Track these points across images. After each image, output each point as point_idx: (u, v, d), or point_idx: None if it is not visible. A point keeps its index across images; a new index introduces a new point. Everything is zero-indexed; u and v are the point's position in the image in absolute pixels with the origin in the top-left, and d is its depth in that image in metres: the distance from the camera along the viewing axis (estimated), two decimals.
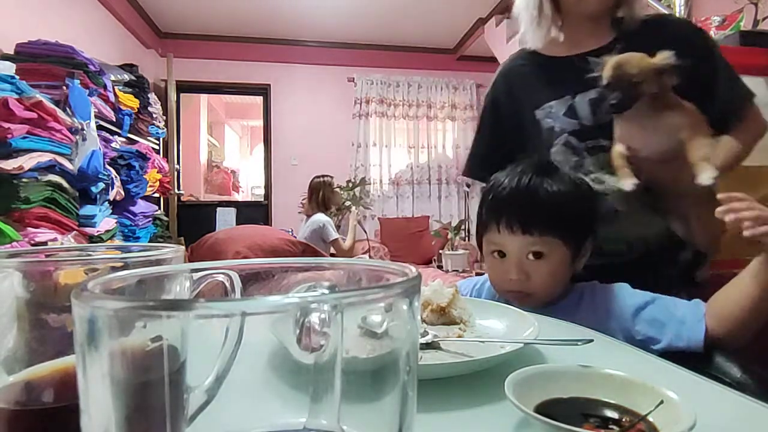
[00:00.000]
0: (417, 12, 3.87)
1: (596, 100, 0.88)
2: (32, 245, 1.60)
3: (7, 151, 1.59)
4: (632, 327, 0.72)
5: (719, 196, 0.65)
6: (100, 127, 2.27)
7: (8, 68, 1.75)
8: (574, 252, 0.78)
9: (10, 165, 1.57)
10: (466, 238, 4.48)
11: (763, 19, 1.57)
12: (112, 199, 2.34)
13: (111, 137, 2.46)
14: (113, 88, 2.45)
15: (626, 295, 0.76)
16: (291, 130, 4.52)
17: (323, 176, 3.21)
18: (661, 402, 0.32)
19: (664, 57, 0.72)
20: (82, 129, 1.97)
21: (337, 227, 3.19)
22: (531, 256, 0.75)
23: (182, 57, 4.18)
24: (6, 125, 1.55)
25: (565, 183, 0.77)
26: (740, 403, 0.40)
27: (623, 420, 0.33)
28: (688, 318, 0.68)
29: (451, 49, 4.71)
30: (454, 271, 3.68)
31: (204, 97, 5.40)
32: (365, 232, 3.62)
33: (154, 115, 3.19)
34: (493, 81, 1.07)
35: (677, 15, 1.55)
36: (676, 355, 0.67)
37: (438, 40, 4.54)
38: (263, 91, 4.53)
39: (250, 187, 6.74)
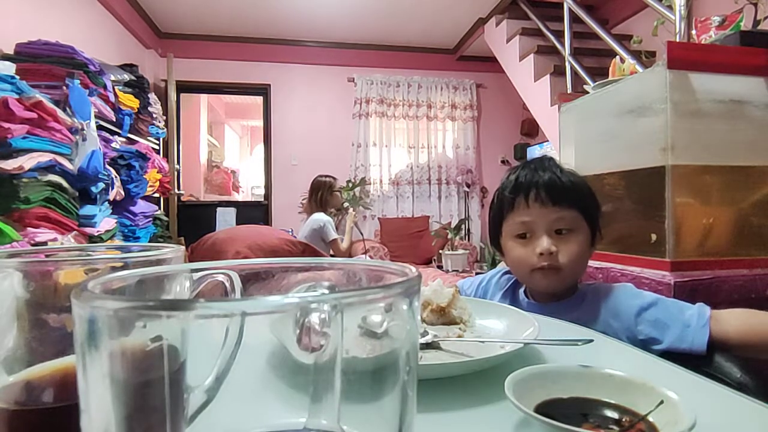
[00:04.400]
0: (417, 12, 3.87)
1: None
2: (32, 245, 1.60)
3: (7, 151, 1.59)
4: (635, 327, 0.72)
5: None
6: (100, 127, 2.27)
7: (8, 68, 1.75)
8: (592, 235, 0.81)
9: (10, 165, 1.57)
10: (466, 238, 4.48)
11: (764, 19, 1.57)
12: (112, 199, 2.34)
13: (111, 137, 2.46)
14: (113, 88, 2.44)
15: (630, 296, 0.77)
16: (291, 130, 4.52)
17: (326, 176, 3.20)
18: (661, 402, 0.33)
19: None
20: (82, 129, 1.97)
21: (336, 227, 3.19)
22: (557, 232, 0.78)
23: (182, 57, 4.18)
24: (6, 125, 1.55)
25: (575, 174, 0.83)
26: (740, 403, 0.40)
27: (623, 420, 0.33)
28: (693, 321, 0.69)
29: (451, 49, 4.71)
30: (454, 271, 3.68)
31: (204, 97, 5.40)
32: (361, 234, 3.62)
33: (154, 115, 3.18)
34: None
35: (677, 15, 1.54)
36: (676, 355, 0.67)
37: (438, 40, 4.54)
38: (263, 91, 4.53)
39: (250, 187, 6.73)
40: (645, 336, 0.71)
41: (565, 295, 0.82)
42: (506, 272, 0.94)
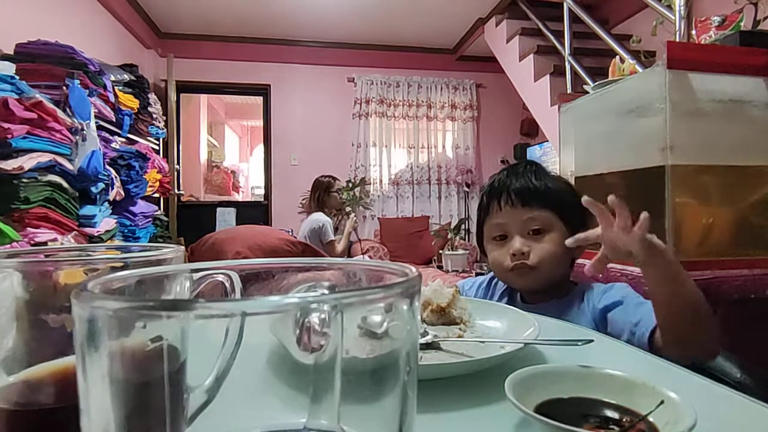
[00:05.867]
0: (417, 12, 3.87)
1: None
2: (32, 245, 1.60)
3: (7, 151, 1.59)
4: (601, 327, 0.75)
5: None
6: (100, 127, 2.27)
7: (8, 68, 1.75)
8: (571, 232, 0.81)
9: (10, 165, 1.57)
10: (466, 238, 4.48)
11: (763, 19, 1.57)
12: (112, 199, 2.34)
13: (111, 137, 2.46)
14: (113, 88, 2.44)
15: (603, 296, 0.78)
16: (291, 130, 4.52)
17: (326, 177, 3.20)
18: (661, 402, 0.32)
19: None
20: (82, 129, 1.97)
21: (335, 228, 3.19)
22: (531, 233, 0.80)
23: (182, 57, 4.17)
24: (6, 125, 1.55)
25: (558, 178, 0.86)
26: (740, 403, 0.40)
27: (623, 420, 0.33)
28: (643, 321, 0.68)
29: (451, 49, 4.71)
30: (454, 271, 3.68)
31: (204, 97, 5.39)
32: (358, 238, 3.63)
33: (154, 115, 3.18)
34: None
35: (677, 15, 1.54)
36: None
37: (438, 40, 4.54)
38: (263, 91, 4.53)
39: (250, 187, 6.74)
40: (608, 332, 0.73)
41: (555, 295, 0.83)
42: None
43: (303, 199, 3.37)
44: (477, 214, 0.91)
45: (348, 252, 3.33)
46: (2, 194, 1.62)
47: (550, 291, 0.83)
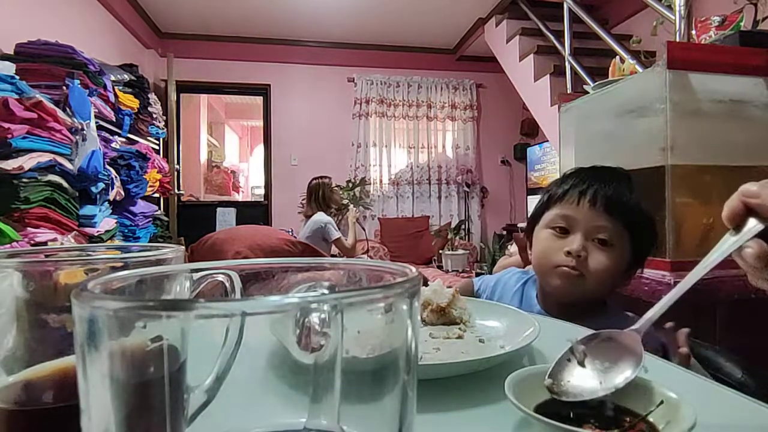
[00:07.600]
0: (417, 12, 3.87)
1: None
2: (32, 245, 1.60)
3: (7, 151, 1.59)
4: None
5: None
6: (100, 127, 2.27)
7: (8, 68, 1.75)
8: (632, 260, 0.75)
9: (10, 165, 1.57)
10: (466, 238, 4.48)
11: (763, 19, 1.57)
12: (112, 199, 2.34)
13: (111, 137, 2.46)
14: (113, 88, 2.44)
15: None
16: (291, 130, 4.52)
17: (321, 177, 3.21)
18: (661, 402, 0.32)
19: None
20: (82, 129, 1.97)
21: (338, 227, 3.19)
22: (596, 241, 0.73)
23: (182, 57, 4.18)
24: (6, 125, 1.55)
25: (643, 203, 0.77)
26: (740, 403, 0.40)
27: (623, 420, 0.33)
28: None
29: (451, 49, 4.71)
30: (454, 271, 3.69)
31: (204, 97, 5.40)
32: (364, 230, 3.63)
33: (154, 115, 3.18)
34: None
35: (677, 15, 1.54)
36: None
37: (438, 40, 4.54)
38: (263, 91, 4.53)
39: (250, 187, 6.74)
40: None
41: (581, 315, 0.73)
42: (516, 272, 0.93)
43: (303, 200, 3.37)
44: (541, 197, 0.83)
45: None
46: (2, 194, 1.62)
47: (577, 306, 0.75)
